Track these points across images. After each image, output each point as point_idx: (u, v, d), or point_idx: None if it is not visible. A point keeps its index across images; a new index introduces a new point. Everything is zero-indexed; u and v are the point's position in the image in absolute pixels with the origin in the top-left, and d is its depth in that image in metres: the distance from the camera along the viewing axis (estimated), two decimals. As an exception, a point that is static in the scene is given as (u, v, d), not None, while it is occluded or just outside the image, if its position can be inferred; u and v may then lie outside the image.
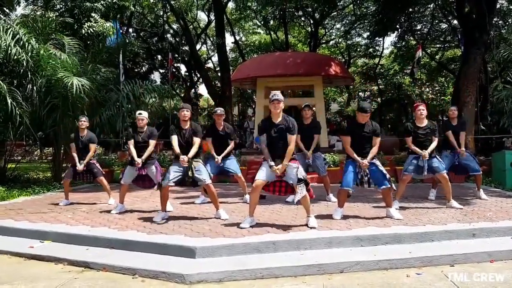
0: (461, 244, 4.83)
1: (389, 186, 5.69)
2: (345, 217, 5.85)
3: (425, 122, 6.77)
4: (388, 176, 5.80)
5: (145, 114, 6.90)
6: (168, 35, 33.40)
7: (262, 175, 5.21)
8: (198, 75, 31.63)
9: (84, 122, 7.68)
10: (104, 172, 8.03)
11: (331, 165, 10.47)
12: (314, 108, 13.56)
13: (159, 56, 33.88)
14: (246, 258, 4.38)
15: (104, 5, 13.36)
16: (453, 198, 6.70)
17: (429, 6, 23.70)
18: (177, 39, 32.24)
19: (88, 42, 12.85)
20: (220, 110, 7.40)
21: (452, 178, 7.33)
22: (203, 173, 5.86)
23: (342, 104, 35.95)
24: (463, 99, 13.75)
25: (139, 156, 6.64)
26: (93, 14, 12.77)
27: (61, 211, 6.75)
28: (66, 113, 10.18)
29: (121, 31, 14.78)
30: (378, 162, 5.84)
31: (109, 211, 6.65)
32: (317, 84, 16.57)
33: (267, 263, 4.22)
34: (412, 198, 7.60)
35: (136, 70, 32.30)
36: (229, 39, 34.39)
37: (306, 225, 5.30)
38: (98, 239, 5.01)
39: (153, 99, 22.27)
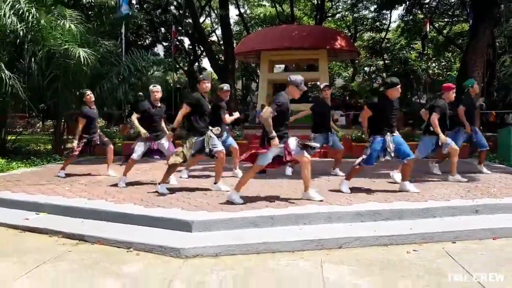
0: (463, 220, 4.72)
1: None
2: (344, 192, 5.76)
3: None
4: None
5: (159, 87, 6.74)
6: (172, 7, 32.82)
7: (266, 161, 5.09)
8: (202, 49, 31.18)
9: (91, 95, 7.64)
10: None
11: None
12: (318, 83, 13.33)
13: (162, 29, 33.46)
14: (243, 233, 4.29)
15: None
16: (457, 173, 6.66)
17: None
18: (180, 11, 31.76)
19: (90, 13, 12.56)
20: (226, 86, 7.20)
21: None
22: (217, 143, 5.90)
23: (347, 79, 35.53)
24: (470, 73, 13.45)
25: (154, 130, 6.55)
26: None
27: (59, 183, 6.69)
28: (67, 84, 10.05)
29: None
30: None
31: (107, 184, 6.59)
32: (322, 58, 16.30)
33: (264, 238, 4.13)
34: (415, 173, 7.47)
35: (140, 42, 31.93)
36: (233, 12, 33.78)
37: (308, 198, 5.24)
38: (95, 211, 4.94)
39: (157, 72, 22.12)
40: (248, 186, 5.51)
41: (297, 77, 5.08)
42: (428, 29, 20.70)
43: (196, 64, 34.66)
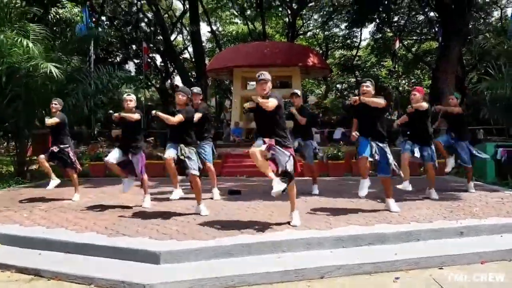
0: (449, 243, 4.50)
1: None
2: (325, 213, 5.48)
3: None
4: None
5: (133, 96, 6.41)
6: (143, 24, 32.45)
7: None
8: (174, 66, 30.87)
9: (55, 105, 7.14)
10: (79, 168, 7.45)
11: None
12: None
13: (133, 46, 32.93)
14: (217, 263, 3.94)
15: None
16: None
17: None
18: (151, 28, 31.42)
19: (55, 29, 12.07)
20: (196, 89, 6.90)
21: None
22: (193, 161, 5.45)
23: (320, 96, 35.71)
24: (441, 90, 13.58)
25: (125, 143, 6.23)
26: (61, -1, 12.00)
27: (17, 209, 6.18)
28: (29, 103, 9.53)
29: (90, 19, 14.03)
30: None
31: (71, 209, 6.12)
32: (294, 74, 16.24)
33: (239, 269, 3.79)
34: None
35: (110, 59, 31.33)
36: (205, 29, 33.67)
37: (288, 223, 4.92)
38: (53, 242, 4.49)
39: (128, 89, 21.52)
40: (219, 210, 5.17)
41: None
42: (397, 47, 21.00)
43: (169, 81, 34.23)
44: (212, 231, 4.63)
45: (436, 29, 26.28)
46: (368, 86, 5.63)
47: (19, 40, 9.23)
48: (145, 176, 6.32)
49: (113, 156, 6.12)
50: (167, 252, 3.96)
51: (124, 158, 6.19)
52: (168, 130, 5.75)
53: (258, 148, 4.47)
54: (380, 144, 5.54)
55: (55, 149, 6.91)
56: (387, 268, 3.97)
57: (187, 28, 31.82)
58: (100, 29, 31.86)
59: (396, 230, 4.66)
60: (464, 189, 7.49)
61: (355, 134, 5.71)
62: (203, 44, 36.24)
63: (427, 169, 6.66)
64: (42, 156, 6.90)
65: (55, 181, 7.05)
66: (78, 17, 12.24)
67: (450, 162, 7.30)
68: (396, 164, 5.63)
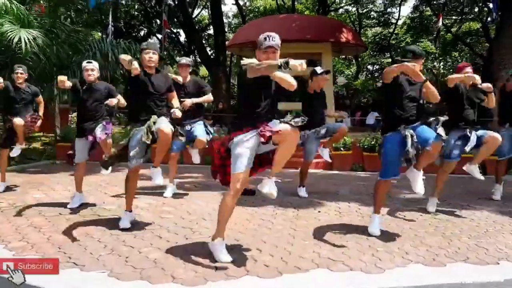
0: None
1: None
2: (364, 235, 4.02)
3: None
4: None
5: (95, 64, 5.07)
6: (167, -3, 31.03)
7: (245, 162, 3.20)
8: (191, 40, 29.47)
9: (22, 74, 5.91)
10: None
11: (341, 149, 8.61)
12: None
13: (157, 20, 31.70)
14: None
15: None
16: None
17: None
18: (175, 1, 30.02)
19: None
20: (185, 59, 5.62)
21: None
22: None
23: (350, 77, 33.78)
24: (496, 73, 11.71)
25: (88, 119, 4.94)
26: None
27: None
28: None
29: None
30: None
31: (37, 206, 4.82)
32: (325, 52, 14.54)
33: None
34: (450, 198, 5.75)
35: (134, 34, 30.23)
36: (231, 6, 32.04)
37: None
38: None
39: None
40: (230, 221, 3.78)
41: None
42: (440, 25, 19.09)
43: (191, 57, 32.91)
44: (205, 264, 3.22)
45: (478, 8, 24.16)
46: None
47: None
48: None
49: None
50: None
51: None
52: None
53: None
54: None
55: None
56: None
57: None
58: (122, 1, 31.18)
59: (485, 276, 3.15)
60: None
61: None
62: (229, 19, 34.87)
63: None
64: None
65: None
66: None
67: None
68: None
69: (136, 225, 4.21)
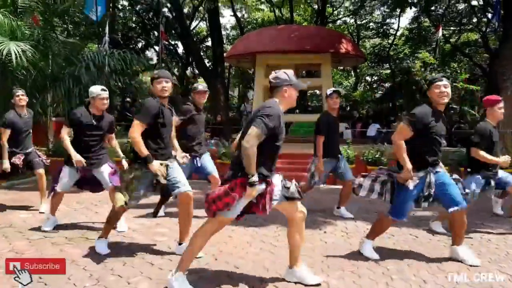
0: None
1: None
2: (382, 264, 3.69)
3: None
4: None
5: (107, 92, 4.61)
6: (165, 10, 30.99)
7: (234, 213, 2.98)
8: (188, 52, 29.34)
9: (23, 97, 5.48)
10: (47, 163, 5.86)
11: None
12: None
13: (155, 32, 31.60)
14: None
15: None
16: None
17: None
18: (173, 13, 29.90)
19: (49, 2, 10.43)
20: (202, 86, 5.19)
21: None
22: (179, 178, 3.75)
23: (348, 88, 33.60)
24: (501, 84, 11.45)
25: (90, 151, 4.52)
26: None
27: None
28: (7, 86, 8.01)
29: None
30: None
31: (24, 229, 4.48)
32: (325, 63, 14.31)
33: None
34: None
35: (131, 46, 30.10)
36: (229, 16, 31.96)
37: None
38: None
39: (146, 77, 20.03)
40: (221, 247, 3.44)
41: (289, 72, 3.07)
42: (440, 35, 18.90)
43: (189, 69, 32.69)
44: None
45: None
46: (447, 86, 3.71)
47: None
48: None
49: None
50: None
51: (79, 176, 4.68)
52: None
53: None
54: None
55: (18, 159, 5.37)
56: None
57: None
58: (119, 13, 31.10)
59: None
60: None
61: None
62: (227, 31, 34.73)
63: None
64: None
65: None
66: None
67: None
68: None
69: (126, 250, 3.88)
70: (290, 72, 3.06)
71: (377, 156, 8.02)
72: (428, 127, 3.54)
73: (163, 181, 3.57)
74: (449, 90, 3.66)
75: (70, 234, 4.43)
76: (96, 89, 4.48)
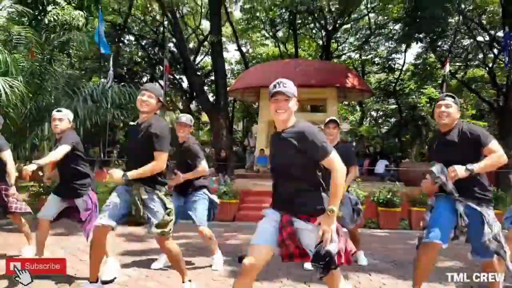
0: None
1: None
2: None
3: None
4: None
5: (66, 112, 4.26)
6: (170, 44, 31.22)
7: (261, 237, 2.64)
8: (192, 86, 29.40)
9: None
10: (26, 209, 5.16)
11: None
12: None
13: (160, 67, 31.75)
14: None
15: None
16: None
17: (451, 19, 21.35)
18: (179, 48, 30.04)
19: (48, 34, 10.21)
20: (185, 117, 4.72)
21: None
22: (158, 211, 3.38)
23: (354, 123, 33.29)
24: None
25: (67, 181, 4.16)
26: (58, 0, 10.20)
27: None
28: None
29: (103, 27, 12.32)
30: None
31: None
32: (330, 97, 14.04)
33: None
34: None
35: (136, 80, 30.18)
36: (233, 51, 32.11)
37: None
38: None
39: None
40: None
41: None
42: (447, 71, 18.65)
43: (194, 102, 32.59)
44: None
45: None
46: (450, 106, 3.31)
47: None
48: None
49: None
50: None
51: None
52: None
53: None
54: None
55: None
56: None
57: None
58: (125, 48, 31.31)
59: None
60: None
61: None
62: (232, 66, 34.79)
63: None
64: None
65: None
66: (80, 22, 10.35)
67: None
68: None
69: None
70: None
71: (389, 196, 7.47)
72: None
73: None
74: (451, 110, 3.26)
75: (47, 285, 3.89)
76: (52, 112, 4.24)
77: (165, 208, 3.39)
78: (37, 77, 8.23)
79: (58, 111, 4.23)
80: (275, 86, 2.67)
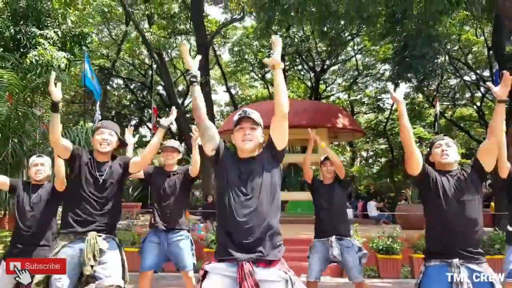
0: None
1: None
2: None
3: None
4: None
5: (47, 158, 3.85)
6: (159, 87, 31.27)
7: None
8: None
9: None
10: None
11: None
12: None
13: (149, 110, 31.65)
14: None
15: (58, 33, 10.53)
16: None
17: (439, 59, 21.66)
18: (167, 91, 30.03)
19: (28, 74, 9.83)
20: (172, 142, 4.34)
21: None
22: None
23: (345, 164, 33.09)
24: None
25: (27, 235, 3.54)
26: (41, 41, 9.90)
27: None
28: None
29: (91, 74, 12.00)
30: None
31: None
32: (321, 138, 13.66)
33: None
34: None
35: (124, 123, 29.94)
36: (223, 93, 32.18)
37: None
38: None
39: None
40: None
41: None
42: (438, 109, 18.61)
43: (183, 144, 32.30)
44: None
45: (471, 93, 23.99)
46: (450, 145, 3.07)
47: None
48: None
49: None
50: None
51: None
52: None
53: None
54: None
55: None
56: None
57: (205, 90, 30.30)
58: (114, 92, 31.12)
59: None
60: None
61: None
62: (221, 107, 34.73)
63: None
64: None
65: None
66: (63, 64, 10.01)
67: None
68: None
69: None
70: None
71: (389, 242, 6.95)
72: None
73: None
74: (451, 150, 3.05)
75: None
76: (32, 158, 3.88)
77: None
78: (13, 120, 7.82)
79: (38, 156, 3.87)
80: (240, 114, 2.48)
